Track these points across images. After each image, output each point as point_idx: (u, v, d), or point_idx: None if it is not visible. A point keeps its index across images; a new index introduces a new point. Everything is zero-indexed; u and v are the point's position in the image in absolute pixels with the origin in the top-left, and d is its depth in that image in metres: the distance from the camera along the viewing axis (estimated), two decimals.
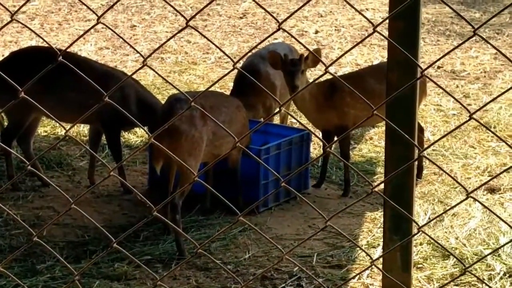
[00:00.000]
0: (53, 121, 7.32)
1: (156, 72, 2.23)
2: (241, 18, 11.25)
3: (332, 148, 6.57)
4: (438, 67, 9.29)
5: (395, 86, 4.30)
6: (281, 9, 11.66)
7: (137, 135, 7.31)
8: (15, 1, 11.74)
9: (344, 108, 6.11)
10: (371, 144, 7.25)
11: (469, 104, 8.26)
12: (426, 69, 2.19)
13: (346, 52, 2.17)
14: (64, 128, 2.25)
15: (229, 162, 5.90)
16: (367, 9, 11.53)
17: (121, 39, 10.06)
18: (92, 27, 2.23)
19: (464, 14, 11.24)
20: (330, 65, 2.08)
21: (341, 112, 6.12)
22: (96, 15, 2.20)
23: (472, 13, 11.43)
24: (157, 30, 10.68)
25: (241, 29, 10.85)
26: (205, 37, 1.96)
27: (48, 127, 7.43)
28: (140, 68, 2.18)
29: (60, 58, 2.32)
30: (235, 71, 7.15)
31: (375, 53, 9.83)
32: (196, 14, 1.93)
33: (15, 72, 4.98)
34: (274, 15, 11.42)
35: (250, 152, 5.84)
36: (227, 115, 5.70)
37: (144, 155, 6.79)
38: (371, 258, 2.69)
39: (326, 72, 2.09)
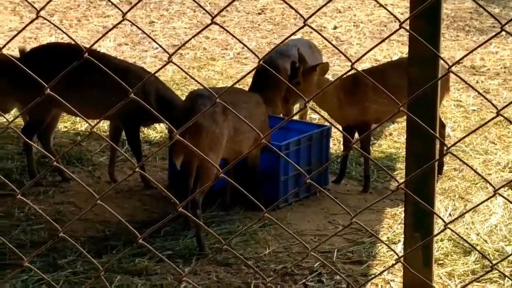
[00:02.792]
0: (73, 117, 7.35)
1: (181, 69, 2.23)
2: (259, 14, 11.25)
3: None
4: (458, 63, 9.25)
5: (416, 82, 4.30)
6: (300, 4, 11.64)
7: (156, 131, 7.33)
8: None
9: (366, 103, 6.10)
10: (391, 140, 7.23)
11: None
12: (452, 65, 2.19)
13: (373, 48, 2.17)
14: (90, 125, 2.26)
15: (248, 158, 5.90)
16: (386, 4, 11.49)
17: (140, 35, 10.09)
18: (117, 24, 2.23)
19: (483, 10, 11.18)
20: (356, 61, 2.08)
21: (362, 107, 6.10)
22: (122, 12, 2.20)
23: (492, 8, 11.37)
24: (176, 26, 10.70)
25: (259, 25, 10.85)
26: (231, 34, 1.96)
27: (68, 123, 7.46)
28: (165, 65, 2.18)
29: (86, 55, 2.32)
30: (253, 66, 7.16)
31: (394, 48, 9.80)
32: (221, 11, 1.93)
33: (35, 69, 5.00)
34: (292, 11, 11.41)
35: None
36: (247, 111, 5.70)
37: (164, 151, 6.81)
38: (397, 255, 2.68)
39: (352, 68, 2.09)
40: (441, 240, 5.40)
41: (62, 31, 2.03)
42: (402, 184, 2.33)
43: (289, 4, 1.85)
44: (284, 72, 6.52)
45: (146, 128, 7.11)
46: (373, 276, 5.02)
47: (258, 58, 2.10)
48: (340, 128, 6.34)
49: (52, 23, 2.11)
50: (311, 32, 10.50)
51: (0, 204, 5.97)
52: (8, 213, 5.84)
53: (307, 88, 5.84)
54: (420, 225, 4.38)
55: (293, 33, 2.17)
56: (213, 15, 2.07)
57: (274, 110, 6.52)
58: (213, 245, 5.42)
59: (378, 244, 5.44)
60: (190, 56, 9.50)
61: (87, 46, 5.86)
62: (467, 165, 2.19)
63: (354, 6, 11.50)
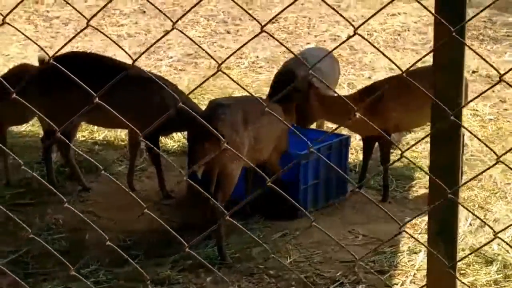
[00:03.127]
0: (91, 126, 7.35)
1: (231, 78, 2.24)
2: (273, 23, 11.26)
3: (372, 153, 6.55)
4: (473, 72, 9.23)
5: (441, 89, 4.29)
6: (312, 13, 11.65)
7: (174, 140, 7.34)
8: (48, 6, 11.84)
9: (386, 112, 6.10)
10: (409, 149, 7.22)
11: (505, 109, 8.21)
12: (504, 74, 2.19)
13: (420, 59, 2.17)
14: (140, 134, 2.27)
15: (269, 166, 5.90)
16: (399, 13, 11.50)
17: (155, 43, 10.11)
18: (167, 33, 2.24)
19: (497, 19, 11.18)
20: (408, 69, 2.08)
21: (383, 117, 6.10)
22: (172, 21, 2.21)
23: (506, 17, 11.36)
24: (190, 35, 10.71)
25: (273, 34, 10.86)
26: (281, 43, 1.96)
27: (86, 132, 7.46)
28: (214, 74, 2.19)
29: (134, 63, 2.34)
30: (272, 75, 7.17)
31: (409, 57, 9.80)
32: (271, 20, 1.94)
33: (60, 77, 5.01)
34: (306, 19, 11.42)
35: (289, 157, 5.86)
36: (267, 120, 5.70)
37: (182, 160, 6.81)
38: (446, 265, 2.67)
39: (402, 75, 2.09)
40: (463, 249, 5.39)
41: (122, 49, 2.03)
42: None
43: (340, 14, 1.85)
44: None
45: (163, 137, 7.12)
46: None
47: (308, 66, 2.10)
48: (354, 138, 6.36)
49: (102, 32, 2.12)
50: (324, 41, 10.51)
51: (21, 213, 5.98)
52: (30, 222, 5.84)
53: (310, 109, 6.23)
54: (443, 234, 4.37)
55: (342, 43, 2.17)
56: (265, 25, 2.07)
57: (292, 119, 6.52)
58: (234, 254, 5.41)
59: (399, 254, 5.44)
60: (205, 65, 9.52)
61: (102, 55, 5.82)
62: None
63: (367, 15, 11.49)
